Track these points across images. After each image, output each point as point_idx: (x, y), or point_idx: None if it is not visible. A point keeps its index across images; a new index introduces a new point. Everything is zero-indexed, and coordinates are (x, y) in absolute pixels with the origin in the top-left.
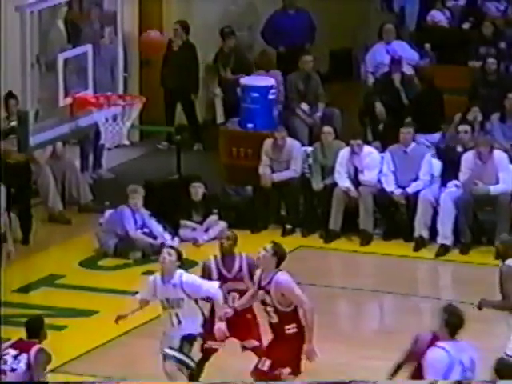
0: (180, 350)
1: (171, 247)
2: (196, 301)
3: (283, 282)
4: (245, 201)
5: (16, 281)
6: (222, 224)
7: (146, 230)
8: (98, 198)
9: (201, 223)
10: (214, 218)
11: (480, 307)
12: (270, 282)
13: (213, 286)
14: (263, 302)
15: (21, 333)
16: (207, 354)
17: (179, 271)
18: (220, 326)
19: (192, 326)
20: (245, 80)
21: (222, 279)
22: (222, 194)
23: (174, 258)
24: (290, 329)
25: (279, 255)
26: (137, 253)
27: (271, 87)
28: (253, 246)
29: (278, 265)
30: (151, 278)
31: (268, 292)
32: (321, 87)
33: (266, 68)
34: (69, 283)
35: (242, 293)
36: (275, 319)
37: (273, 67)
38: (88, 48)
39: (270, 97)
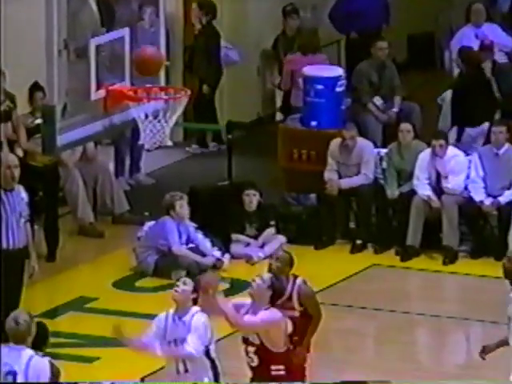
0: None
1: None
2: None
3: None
4: (307, 211)
5: (40, 304)
6: (281, 238)
7: (191, 245)
8: (135, 207)
9: (256, 237)
10: (270, 231)
11: (483, 356)
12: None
13: (196, 344)
14: (245, 340)
15: None
16: None
17: (195, 308)
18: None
19: (200, 375)
20: (308, 70)
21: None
22: (280, 203)
23: (189, 288)
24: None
25: (275, 288)
26: (181, 272)
27: (339, 78)
28: (316, 264)
29: (272, 300)
30: (162, 315)
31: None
32: (397, 78)
33: (309, 50)
34: (101, 307)
35: (293, 320)
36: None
37: (317, 49)
38: (125, 32)
39: (338, 89)
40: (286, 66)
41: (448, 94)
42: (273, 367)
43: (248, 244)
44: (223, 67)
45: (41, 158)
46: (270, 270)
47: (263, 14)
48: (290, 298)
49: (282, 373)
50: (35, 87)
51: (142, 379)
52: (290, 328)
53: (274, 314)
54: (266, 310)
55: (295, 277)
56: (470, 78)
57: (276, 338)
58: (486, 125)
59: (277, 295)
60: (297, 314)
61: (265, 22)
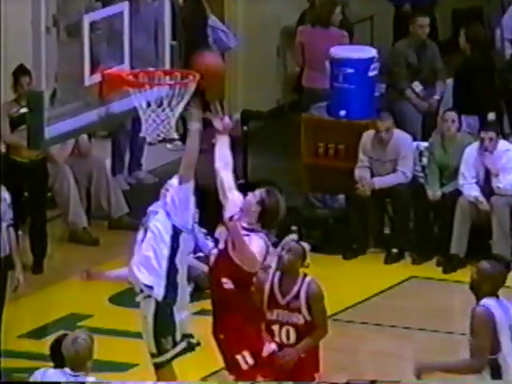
0: None
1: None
2: None
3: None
4: (335, 215)
5: (25, 322)
6: (304, 246)
7: (199, 254)
8: (135, 210)
9: (275, 245)
10: (292, 237)
11: (418, 376)
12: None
13: None
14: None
15: None
16: None
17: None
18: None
19: None
20: (336, 51)
21: (273, 304)
22: (303, 205)
23: None
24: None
25: (266, 206)
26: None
27: (372, 60)
28: (345, 276)
29: (260, 218)
30: None
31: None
32: (439, 60)
33: (319, 22)
34: (96, 325)
35: (297, 328)
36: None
37: (328, 22)
38: (124, 7)
39: (371, 73)
40: (296, 38)
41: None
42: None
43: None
44: (214, 51)
45: (26, 153)
46: (279, 263)
47: None
48: (297, 296)
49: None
50: (20, 71)
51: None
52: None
53: (258, 247)
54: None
55: (305, 274)
56: (476, 62)
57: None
58: (492, 114)
59: (281, 291)
60: (301, 320)
61: None
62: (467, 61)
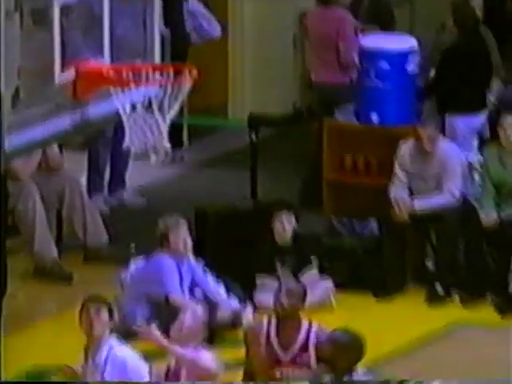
0: None
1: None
2: None
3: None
4: (364, 244)
5: None
6: (326, 283)
7: (197, 291)
8: (117, 238)
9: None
10: (311, 272)
11: None
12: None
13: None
14: None
15: None
16: None
17: (112, 341)
18: None
19: None
20: (366, 41)
21: (273, 359)
22: (325, 232)
23: (106, 317)
24: None
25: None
26: None
27: (411, 53)
28: (377, 319)
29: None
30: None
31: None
32: (496, 52)
33: (324, 1)
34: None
35: None
36: None
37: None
38: None
39: (410, 69)
40: (302, 19)
41: None
42: None
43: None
44: (194, 40)
45: None
46: (278, 309)
47: None
48: (303, 348)
49: None
50: None
51: None
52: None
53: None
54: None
55: (310, 321)
56: (464, 46)
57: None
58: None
59: (282, 344)
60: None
61: None
62: (453, 47)
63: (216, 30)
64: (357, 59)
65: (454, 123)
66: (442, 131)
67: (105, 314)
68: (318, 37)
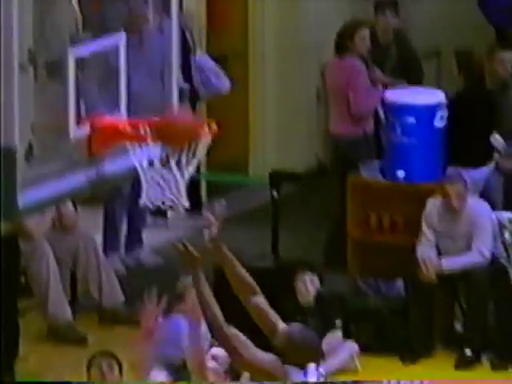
0: None
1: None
2: None
3: None
4: (391, 305)
5: None
6: (351, 346)
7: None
8: (133, 299)
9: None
10: (336, 335)
11: None
12: None
13: None
14: None
15: None
16: None
17: None
18: None
19: None
20: (393, 95)
21: None
22: (350, 292)
23: (117, 372)
24: None
25: None
26: None
27: (439, 107)
28: None
29: None
30: None
31: None
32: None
33: (338, 50)
34: None
35: None
36: None
37: (352, 50)
38: (119, 39)
39: (438, 124)
40: (323, 71)
41: None
42: None
43: None
44: (201, 95)
45: None
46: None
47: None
48: None
49: None
50: None
51: None
52: None
53: None
54: None
55: None
56: (469, 94)
57: None
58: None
59: None
60: None
61: (332, 16)
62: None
63: (224, 84)
64: (381, 113)
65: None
66: None
67: (116, 370)
68: (331, 87)
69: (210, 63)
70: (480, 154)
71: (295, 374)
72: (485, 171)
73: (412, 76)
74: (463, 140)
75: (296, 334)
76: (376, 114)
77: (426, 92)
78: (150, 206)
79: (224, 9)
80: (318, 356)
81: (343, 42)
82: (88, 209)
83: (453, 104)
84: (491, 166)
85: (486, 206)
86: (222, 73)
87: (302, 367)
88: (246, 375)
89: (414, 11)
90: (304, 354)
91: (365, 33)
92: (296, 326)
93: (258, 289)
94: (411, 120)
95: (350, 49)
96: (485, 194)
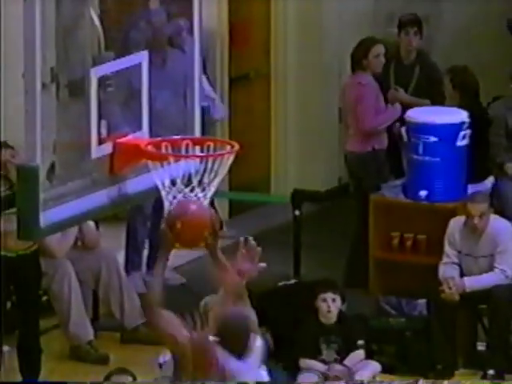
0: None
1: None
2: None
3: None
4: (413, 325)
5: None
6: (374, 366)
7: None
8: None
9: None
10: (358, 354)
11: None
12: None
13: None
14: None
15: None
16: None
17: None
18: None
19: None
20: (415, 115)
21: None
22: (372, 312)
23: None
24: None
25: None
26: None
27: (462, 126)
28: None
29: None
30: None
31: None
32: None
33: (352, 67)
34: None
35: None
36: None
37: (366, 67)
38: (142, 58)
39: (460, 143)
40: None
41: None
42: None
43: (325, 375)
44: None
45: (15, 245)
46: None
47: (355, 15)
48: None
49: None
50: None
51: None
52: None
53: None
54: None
55: None
56: (464, 110)
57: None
58: (490, 180)
59: None
60: None
61: (355, 35)
62: None
63: (219, 112)
64: (403, 132)
65: None
66: None
67: None
68: (345, 104)
69: (207, 89)
70: (479, 169)
71: (230, 362)
72: (486, 185)
73: (436, 96)
74: None
75: (229, 320)
76: (393, 132)
77: (448, 111)
78: None
79: (246, 28)
80: (243, 346)
81: (357, 59)
82: (110, 228)
83: None
84: (491, 179)
85: (507, 223)
86: (218, 100)
87: (237, 355)
88: None
89: (437, 30)
90: (232, 339)
91: (379, 50)
92: (233, 310)
93: None
94: (434, 139)
95: (364, 66)
96: (508, 211)
